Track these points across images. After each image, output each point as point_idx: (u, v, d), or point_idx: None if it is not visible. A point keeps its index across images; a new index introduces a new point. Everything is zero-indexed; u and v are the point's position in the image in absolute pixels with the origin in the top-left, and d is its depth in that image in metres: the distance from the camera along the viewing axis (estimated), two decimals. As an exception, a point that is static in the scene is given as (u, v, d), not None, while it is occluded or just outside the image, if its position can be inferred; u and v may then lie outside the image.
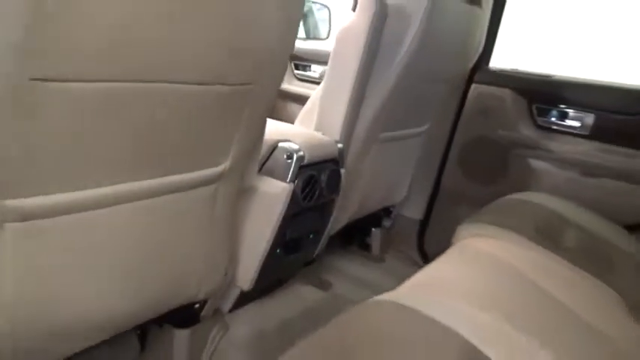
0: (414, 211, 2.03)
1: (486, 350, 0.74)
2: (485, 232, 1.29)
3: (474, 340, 0.75)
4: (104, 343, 1.02)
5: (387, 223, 2.00)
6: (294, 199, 1.17)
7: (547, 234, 1.30)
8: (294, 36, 0.89)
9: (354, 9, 1.29)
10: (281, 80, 0.95)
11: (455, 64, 1.69)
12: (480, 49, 1.81)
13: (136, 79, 0.67)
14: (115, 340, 1.21)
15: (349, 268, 1.84)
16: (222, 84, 0.81)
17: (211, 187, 0.94)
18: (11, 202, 0.64)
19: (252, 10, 0.76)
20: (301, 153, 1.16)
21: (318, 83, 1.57)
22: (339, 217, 1.49)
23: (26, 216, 0.67)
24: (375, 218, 1.94)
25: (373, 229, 1.97)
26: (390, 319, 0.79)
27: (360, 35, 1.26)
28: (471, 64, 1.82)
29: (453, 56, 1.62)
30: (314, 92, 1.52)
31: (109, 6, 0.58)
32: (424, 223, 2.04)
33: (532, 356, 0.77)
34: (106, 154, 0.71)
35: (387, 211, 1.97)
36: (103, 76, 0.63)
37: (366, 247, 1.98)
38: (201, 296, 1.10)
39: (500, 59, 1.91)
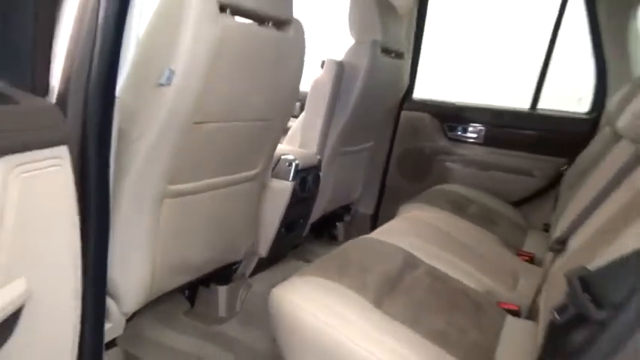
0: (367, 207, 2.69)
1: (420, 256, 1.38)
2: (418, 208, 1.96)
3: (412, 251, 1.39)
4: (162, 300, 1.55)
5: (347, 218, 2.64)
6: (294, 192, 1.78)
7: (458, 208, 1.99)
8: (298, 90, 1.53)
9: (322, 66, 1.96)
10: (289, 118, 1.58)
11: (389, 98, 2.39)
12: (406, 86, 2.54)
13: (228, 120, 1.28)
14: (170, 298, 1.75)
15: (323, 251, 2.45)
16: (262, 120, 1.43)
17: (252, 182, 1.55)
18: (170, 187, 1.22)
19: (280, 78, 1.40)
20: (297, 162, 1.78)
21: (296, 117, 2.20)
22: (318, 208, 2.11)
23: (175, 195, 1.24)
24: (338, 215, 2.57)
25: (337, 223, 2.60)
26: (365, 243, 1.42)
27: (327, 84, 1.92)
28: (400, 97, 2.53)
29: (388, 93, 2.32)
30: (295, 123, 2.15)
31: (220, 83, 1.18)
32: (375, 216, 2.70)
33: (442, 259, 1.43)
34: (211, 160, 1.31)
35: (347, 208, 2.61)
36: (216, 119, 1.23)
37: (333, 237, 2.60)
38: (240, 256, 1.68)
39: (421, 92, 2.64)
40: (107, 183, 0.95)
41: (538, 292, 1.32)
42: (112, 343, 1.30)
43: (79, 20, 0.83)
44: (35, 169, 0.65)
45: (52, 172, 0.69)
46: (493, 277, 1.45)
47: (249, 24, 1.23)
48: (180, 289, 1.80)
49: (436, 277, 1.30)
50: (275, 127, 1.50)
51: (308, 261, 2.24)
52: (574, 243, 1.23)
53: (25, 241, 0.64)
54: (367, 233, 1.51)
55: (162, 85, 1.06)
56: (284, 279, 2.01)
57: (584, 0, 2.22)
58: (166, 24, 1.05)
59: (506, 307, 1.30)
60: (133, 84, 1.06)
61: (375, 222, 2.70)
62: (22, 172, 0.63)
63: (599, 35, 2.20)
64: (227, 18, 1.13)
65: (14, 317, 0.61)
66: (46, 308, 0.69)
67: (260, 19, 1.26)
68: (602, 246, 0.94)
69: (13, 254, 0.61)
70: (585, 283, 0.73)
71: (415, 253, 1.39)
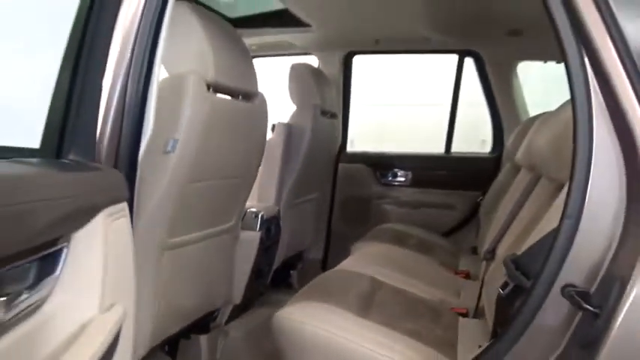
0: (316, 253, 2.93)
1: (382, 279, 1.65)
2: (368, 245, 2.25)
3: (375, 276, 1.66)
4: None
5: (300, 265, 2.85)
6: (261, 241, 1.99)
7: (400, 241, 2.30)
8: (264, 150, 1.79)
9: (272, 130, 2.24)
10: (256, 173, 1.82)
11: (328, 153, 2.72)
12: (339, 142, 2.89)
13: (214, 178, 1.50)
14: (150, 356, 1.85)
15: (283, 297, 2.62)
16: (238, 177, 1.66)
17: (228, 234, 1.75)
18: (170, 239, 1.40)
19: (251, 141, 1.65)
20: (262, 213, 2.01)
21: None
22: (278, 256, 2.32)
23: (173, 247, 1.42)
24: (291, 263, 2.78)
25: (292, 271, 2.80)
26: (336, 274, 1.66)
27: (279, 145, 2.21)
28: (336, 152, 2.87)
29: (327, 148, 2.65)
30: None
31: (210, 148, 1.41)
32: (324, 260, 2.94)
33: (399, 280, 1.70)
34: (199, 214, 1.51)
35: (299, 257, 2.83)
36: (206, 178, 1.45)
37: (289, 285, 2.79)
38: (220, 304, 1.84)
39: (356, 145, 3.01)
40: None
41: (479, 296, 1.63)
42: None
43: (110, 102, 1.04)
44: (116, 219, 0.85)
45: (122, 222, 0.89)
46: (442, 290, 1.75)
47: (226, 99, 1.49)
48: (161, 346, 1.89)
49: (399, 293, 1.57)
50: (247, 183, 1.74)
51: (273, 307, 2.40)
52: (501, 250, 1.57)
53: (116, 275, 0.82)
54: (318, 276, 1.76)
55: (168, 152, 1.27)
56: (257, 324, 2.17)
57: (474, 62, 2.75)
58: (169, 101, 1.28)
59: (457, 310, 1.59)
60: (146, 153, 1.26)
61: (324, 266, 2.93)
62: (113, 221, 0.82)
63: (490, 89, 2.72)
64: (212, 94, 1.39)
65: (117, 337, 0.79)
66: (127, 333, 0.86)
67: (233, 94, 1.53)
68: (520, 247, 1.26)
69: (112, 284, 0.80)
70: (516, 263, 1.04)
71: (377, 277, 1.66)
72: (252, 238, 1.96)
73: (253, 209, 2.01)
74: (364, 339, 1.18)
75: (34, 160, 0.80)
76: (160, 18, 1.04)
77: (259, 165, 1.80)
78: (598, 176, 0.84)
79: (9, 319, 0.58)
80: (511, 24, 2.26)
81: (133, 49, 1.00)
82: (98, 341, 0.69)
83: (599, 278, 0.83)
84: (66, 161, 0.85)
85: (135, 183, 1.11)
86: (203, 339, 1.87)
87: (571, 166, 0.87)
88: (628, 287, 0.75)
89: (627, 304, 0.75)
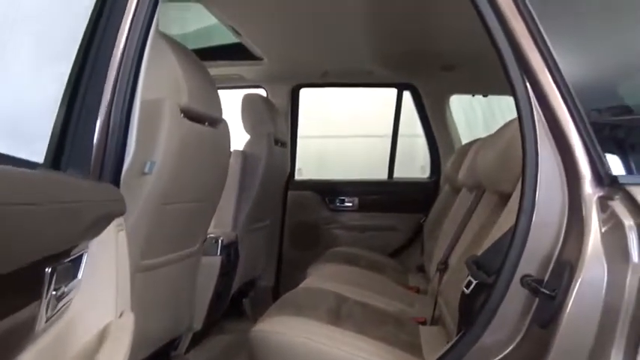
0: (268, 280, 2.96)
1: (345, 294, 1.74)
2: (323, 267, 2.33)
3: (338, 292, 1.74)
4: None
5: (251, 294, 2.86)
6: (221, 265, 2.02)
7: (352, 263, 2.41)
8: (227, 174, 1.84)
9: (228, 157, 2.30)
10: (219, 197, 1.87)
11: (279, 180, 2.81)
12: (288, 170, 2.99)
13: (183, 201, 1.53)
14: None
15: (238, 325, 2.61)
16: (204, 201, 1.70)
17: (192, 258, 1.76)
18: (143, 261, 1.41)
19: (216, 165, 1.71)
20: (222, 238, 2.04)
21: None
22: (235, 282, 2.33)
23: (144, 269, 1.43)
24: (243, 291, 2.78)
25: (244, 299, 2.80)
26: (302, 291, 1.73)
27: (236, 172, 2.27)
28: (285, 179, 2.96)
29: (278, 176, 2.73)
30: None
31: (181, 171, 1.45)
32: (276, 288, 2.98)
33: (361, 294, 1.80)
34: (169, 237, 1.53)
35: (250, 284, 2.84)
36: (178, 200, 1.48)
37: (241, 312, 2.78)
38: (181, 331, 1.82)
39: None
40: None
41: (435, 305, 1.76)
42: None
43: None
44: (120, 230, 0.89)
45: (123, 234, 0.92)
46: (399, 302, 1.86)
47: (196, 124, 1.55)
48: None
49: (363, 305, 1.66)
50: (212, 207, 1.78)
51: (231, 334, 2.40)
52: (453, 260, 1.72)
53: (122, 283, 0.85)
54: (270, 304, 1.77)
55: (145, 174, 1.31)
56: (216, 352, 2.16)
57: (412, 95, 2.99)
58: (146, 125, 1.32)
59: (416, 319, 1.70)
60: (127, 174, 1.28)
61: (276, 293, 2.96)
62: (119, 231, 0.86)
63: (426, 119, 2.97)
64: (185, 120, 1.45)
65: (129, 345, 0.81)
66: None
67: (202, 120, 1.59)
68: (474, 252, 1.41)
69: (122, 291, 0.83)
70: (477, 263, 1.18)
71: (340, 293, 1.74)
72: (213, 262, 1.98)
73: (212, 234, 2.04)
74: (341, 343, 1.25)
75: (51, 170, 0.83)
76: (143, 47, 1.11)
77: (222, 189, 1.85)
78: (544, 180, 1.00)
79: (52, 317, 0.61)
80: (445, 60, 2.51)
81: (117, 74, 1.05)
82: (124, 343, 0.72)
83: (551, 267, 0.98)
84: (70, 175, 0.88)
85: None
86: (164, 368, 1.84)
87: (522, 173, 1.03)
88: (576, 271, 0.90)
89: (577, 285, 0.89)
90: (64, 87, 0.90)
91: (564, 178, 0.99)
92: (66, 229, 0.56)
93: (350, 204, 3.00)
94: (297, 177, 3.09)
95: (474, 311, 1.16)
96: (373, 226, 2.96)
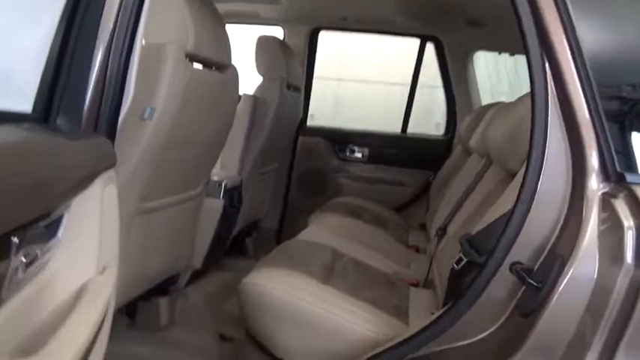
0: (272, 223, 3.01)
1: (341, 250, 1.75)
2: (326, 216, 2.34)
3: (335, 247, 1.76)
4: None
5: (255, 234, 2.92)
6: (223, 209, 2.04)
7: (356, 215, 2.41)
8: (233, 120, 1.82)
9: (239, 100, 2.26)
10: (224, 142, 1.85)
11: (290, 126, 2.77)
12: (301, 115, 2.94)
13: (187, 146, 1.52)
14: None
15: (239, 263, 2.68)
16: (207, 146, 1.69)
17: (194, 201, 1.78)
18: (143, 204, 1.42)
19: (222, 110, 1.68)
20: (225, 182, 2.04)
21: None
22: (237, 224, 2.37)
23: (145, 212, 1.45)
24: (247, 231, 2.84)
25: (247, 239, 2.86)
26: (298, 244, 1.75)
27: (245, 115, 2.23)
28: (296, 125, 2.93)
29: (289, 121, 2.70)
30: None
31: (185, 117, 1.43)
32: (279, 231, 3.03)
33: (358, 251, 1.81)
34: (171, 181, 1.53)
35: (254, 225, 2.89)
36: (180, 146, 1.47)
37: (243, 252, 2.85)
38: (180, 269, 1.88)
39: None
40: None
41: (429, 269, 1.77)
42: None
43: (92, 70, 1.05)
44: (108, 185, 0.88)
45: (112, 188, 0.92)
46: (395, 262, 1.88)
47: (202, 69, 1.51)
48: (120, 306, 1.92)
49: (358, 263, 1.68)
50: (216, 152, 1.77)
51: (230, 272, 2.47)
52: (452, 228, 1.71)
53: (107, 239, 0.86)
54: (273, 247, 1.81)
55: (145, 119, 1.29)
56: (215, 288, 2.23)
57: (435, 48, 2.86)
58: (148, 70, 1.28)
59: (408, 281, 1.72)
60: (125, 119, 1.26)
61: (279, 236, 3.01)
62: (105, 186, 0.86)
63: (448, 75, 2.85)
64: (190, 65, 1.40)
65: (110, 300, 0.83)
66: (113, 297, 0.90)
67: (208, 65, 1.54)
68: (472, 226, 1.39)
69: (106, 247, 0.84)
70: (470, 242, 1.16)
71: (337, 248, 1.76)
72: (215, 205, 2.00)
73: (216, 178, 2.04)
74: (330, 305, 1.27)
75: (29, 125, 0.82)
76: None
77: (227, 134, 1.83)
78: (549, 167, 0.95)
79: (22, 281, 0.61)
80: (471, 14, 2.37)
81: (116, 18, 1.01)
82: (98, 303, 0.73)
83: (542, 257, 0.96)
84: (57, 127, 0.86)
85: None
86: (163, 301, 1.91)
87: (527, 156, 0.98)
88: (567, 265, 0.88)
89: (565, 280, 0.88)
90: (54, 31, 0.86)
91: (570, 169, 0.94)
92: (35, 200, 0.55)
93: (360, 155, 2.97)
94: (309, 123, 3.04)
95: (461, 288, 1.16)
96: (381, 179, 2.94)
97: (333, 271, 1.53)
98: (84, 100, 0.96)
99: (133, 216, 1.40)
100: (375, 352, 1.14)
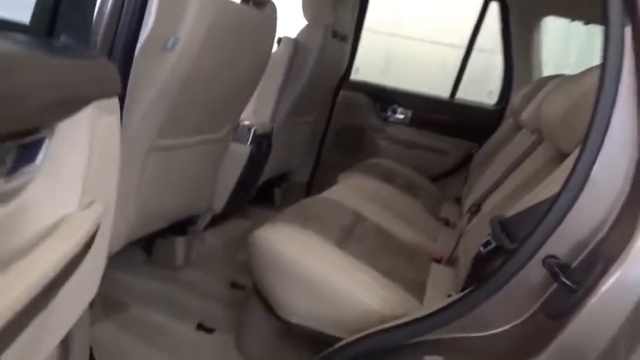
0: (302, 176, 2.93)
1: (364, 213, 1.65)
2: (355, 177, 2.24)
3: (358, 209, 1.66)
4: (121, 250, 1.71)
5: (284, 185, 2.86)
6: (250, 156, 1.97)
7: (387, 179, 2.29)
8: (267, 62, 1.71)
9: (278, 43, 2.14)
10: (255, 86, 1.75)
11: (331, 77, 2.63)
12: (345, 67, 2.79)
13: (211, 84, 1.43)
14: (128, 248, 1.89)
15: (263, 213, 2.65)
16: (236, 86, 1.59)
17: (218, 144, 1.71)
18: (160, 140, 1.36)
19: (256, 50, 1.57)
20: (255, 128, 1.96)
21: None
22: (265, 173, 2.30)
23: (161, 149, 1.38)
24: (276, 182, 2.77)
25: (275, 189, 2.80)
26: (319, 202, 1.66)
27: (283, 59, 2.11)
28: (339, 77, 2.78)
29: (331, 72, 2.56)
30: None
31: (211, 52, 1.33)
32: (309, 185, 2.95)
33: (382, 217, 1.71)
34: (192, 120, 1.46)
35: (284, 177, 2.82)
36: (204, 83, 1.38)
37: (271, 202, 2.80)
38: (200, 210, 1.84)
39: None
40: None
41: (456, 245, 1.65)
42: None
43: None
44: (106, 114, 0.80)
45: (111, 119, 0.84)
46: (420, 233, 1.77)
47: (237, 3, 1.39)
48: (137, 241, 1.92)
49: (380, 229, 1.58)
50: (245, 95, 1.67)
51: (252, 221, 2.44)
52: (487, 206, 1.57)
53: (99, 171, 0.79)
54: (302, 200, 1.74)
55: (167, 50, 1.20)
56: (233, 235, 2.20)
57: (500, 10, 2.61)
58: (174, -1, 1.18)
59: (431, 256, 1.62)
60: (143, 48, 1.18)
61: (309, 190, 2.94)
62: (102, 115, 0.78)
63: (509, 40, 2.61)
64: (222, -4, 1.29)
65: (95, 234, 0.77)
66: (105, 232, 0.85)
67: (244, -1, 1.43)
68: (508, 207, 1.26)
69: (95, 180, 0.77)
70: (503, 225, 1.04)
71: (361, 211, 1.66)
72: (241, 151, 1.93)
73: (247, 123, 1.96)
74: (339, 270, 1.19)
75: (23, 37, 0.74)
76: None
77: (260, 78, 1.72)
78: (608, 155, 0.81)
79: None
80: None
81: None
82: (74, 237, 0.67)
83: (583, 255, 0.83)
84: (57, 44, 0.78)
85: (128, 77, 1.06)
86: (179, 241, 1.89)
87: (584, 137, 0.84)
88: (612, 268, 0.75)
89: (608, 284, 0.75)
90: None
91: (634, 159, 0.79)
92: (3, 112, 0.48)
93: (402, 116, 2.81)
94: (352, 77, 2.88)
95: (484, 273, 1.05)
96: (421, 145, 2.78)
97: (351, 234, 1.44)
98: (93, 15, 0.88)
99: (149, 151, 1.34)
100: (379, 327, 1.06)
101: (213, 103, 1.52)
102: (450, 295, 1.16)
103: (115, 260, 1.82)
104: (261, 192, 2.67)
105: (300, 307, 1.20)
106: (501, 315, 0.93)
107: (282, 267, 1.21)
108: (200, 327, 1.55)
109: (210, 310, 1.65)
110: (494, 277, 0.94)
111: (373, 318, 1.14)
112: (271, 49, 1.67)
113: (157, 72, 1.22)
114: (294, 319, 1.21)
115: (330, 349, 1.11)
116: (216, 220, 2.14)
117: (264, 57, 1.66)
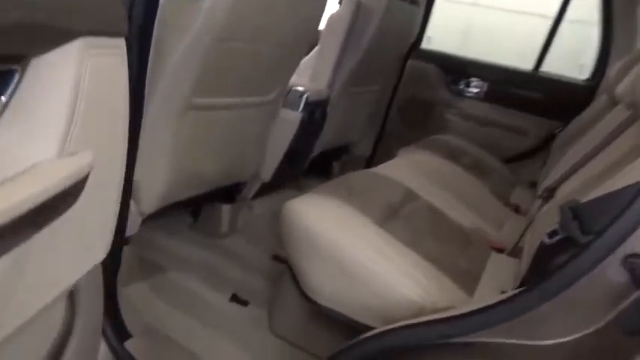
0: (364, 150, 2.78)
1: (418, 192, 1.48)
2: (417, 152, 2.05)
3: (411, 187, 1.49)
4: (167, 214, 1.67)
5: (344, 158, 2.72)
6: (301, 124, 1.85)
7: (452, 157, 2.08)
8: (320, 22, 1.56)
9: (339, 3, 1.98)
10: (307, 49, 1.62)
11: (399, 44, 2.43)
12: (415, 34, 2.56)
13: (252, 42, 1.32)
14: (174, 213, 1.86)
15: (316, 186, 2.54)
16: (283, 47, 1.47)
17: (265, 108, 1.61)
18: (195, 99, 1.27)
19: (307, 8, 1.43)
20: (307, 94, 1.84)
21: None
22: (319, 144, 2.18)
23: (199, 108, 1.30)
24: (335, 154, 2.65)
25: (334, 162, 2.68)
26: (368, 175, 1.51)
27: (344, 20, 1.95)
28: (408, 45, 2.57)
29: (398, 39, 2.36)
30: (304, 58, 2.19)
31: (250, 5, 1.21)
32: (370, 159, 2.79)
33: (438, 197, 1.53)
34: (232, 80, 1.36)
35: (344, 149, 2.69)
36: (242, 39, 1.27)
37: (328, 175, 2.69)
38: (246, 178, 1.76)
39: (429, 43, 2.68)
40: (144, 83, 1.01)
41: (522, 235, 1.44)
42: (127, 241, 1.39)
43: None
44: (102, 55, 0.71)
45: (113, 61, 0.75)
46: (482, 218, 1.57)
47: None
48: (184, 206, 1.89)
49: (433, 210, 1.41)
50: (294, 57, 1.55)
51: (305, 192, 2.34)
52: (563, 191, 1.34)
53: (92, 118, 0.71)
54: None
55: (198, 0, 1.10)
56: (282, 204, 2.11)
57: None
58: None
59: (492, 244, 1.42)
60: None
61: (369, 165, 2.78)
62: (98, 55, 0.68)
63: (610, 7, 2.25)
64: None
65: (82, 184, 0.69)
66: (102, 185, 0.77)
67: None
68: (585, 193, 1.04)
69: (85, 127, 0.68)
70: (575, 212, 0.84)
71: (414, 189, 1.49)
72: (292, 118, 1.82)
73: (300, 88, 1.84)
74: (375, 252, 1.05)
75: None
76: None
77: (312, 39, 1.59)
78: None
79: None
80: None
81: None
82: (46, 184, 0.58)
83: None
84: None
85: (153, 23, 0.97)
86: (225, 208, 1.84)
87: None
88: None
89: None
90: None
91: None
92: None
93: (477, 90, 2.55)
94: (423, 45, 2.66)
95: (547, 269, 0.86)
96: (496, 122, 2.51)
97: (397, 213, 1.29)
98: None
99: (184, 110, 1.27)
100: (415, 320, 0.91)
101: (257, 64, 1.41)
102: (504, 292, 0.98)
103: (159, 223, 1.82)
104: (319, 164, 2.55)
105: (329, 289, 1.08)
106: (564, 322, 0.75)
107: (312, 243, 1.09)
108: (234, 298, 1.48)
109: (248, 282, 1.58)
110: (559, 275, 0.76)
111: (410, 309, 1.00)
112: (324, 7, 1.52)
113: (187, 24, 1.12)
114: (322, 301, 1.10)
115: (358, 338, 0.98)
116: (267, 190, 2.06)
117: (316, 16, 1.51)
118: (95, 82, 0.69)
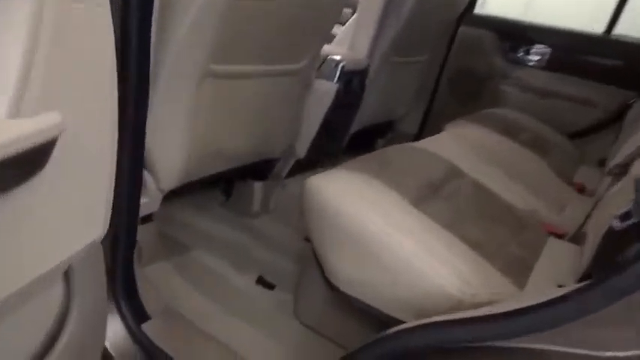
0: (410, 127, 2.59)
1: (464, 169, 1.32)
2: (466, 126, 1.86)
3: (457, 163, 1.33)
4: (198, 191, 1.57)
5: (389, 135, 2.56)
6: (337, 95, 1.71)
7: (508, 132, 1.87)
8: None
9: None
10: (341, 11, 1.47)
11: (448, 10, 2.21)
12: (468, -1, 2.33)
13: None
14: (206, 190, 1.78)
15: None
16: (311, 9, 1.33)
17: (294, 77, 1.48)
18: (213, 66, 1.17)
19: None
20: (344, 63, 1.69)
21: (342, 24, 2.05)
22: (359, 118, 2.03)
23: (218, 75, 1.19)
24: (379, 131, 2.49)
25: (379, 139, 2.52)
26: (408, 149, 1.36)
27: (384, -16, 1.78)
28: (460, 10, 2.34)
29: (447, 3, 2.14)
30: (343, 27, 2.03)
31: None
32: (417, 137, 2.60)
33: (487, 174, 1.35)
34: (255, 45, 1.24)
35: (388, 126, 2.52)
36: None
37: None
38: (277, 154, 1.65)
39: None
40: (148, 42, 0.92)
41: (587, 218, 1.25)
42: (149, 219, 1.32)
43: None
44: (75, 1, 0.61)
45: (89, 10, 0.65)
46: (540, 199, 1.38)
47: None
48: (216, 182, 1.81)
49: (480, 188, 1.24)
50: (325, 20, 1.40)
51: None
52: (638, 167, 1.13)
53: (60, 74, 0.61)
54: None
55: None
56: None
57: None
58: None
59: (550, 229, 1.23)
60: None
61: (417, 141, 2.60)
62: (63, 2, 0.58)
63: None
64: None
65: (45, 149, 0.59)
66: (81, 148, 0.68)
67: None
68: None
69: (49, 84, 0.59)
70: (657, 189, 0.66)
71: (459, 166, 1.33)
72: (326, 88, 1.68)
73: (336, 57, 1.69)
74: (407, 236, 0.91)
75: None
76: None
77: (348, 2, 1.44)
78: None
79: None
80: None
81: None
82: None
83: None
84: None
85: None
86: (257, 186, 1.75)
87: None
88: None
89: None
90: None
91: None
92: None
93: (537, 57, 2.29)
94: (477, 10, 2.41)
95: (615, 260, 0.69)
96: (560, 93, 2.25)
97: (437, 192, 1.13)
98: None
99: (201, 78, 1.16)
100: (448, 317, 0.77)
101: (280, 27, 1.28)
102: (561, 286, 0.82)
103: (189, 201, 1.75)
104: (360, 141, 2.41)
105: (353, 275, 0.95)
106: (623, 332, 0.59)
107: (335, 223, 0.97)
108: (260, 281, 1.39)
109: (276, 264, 1.48)
110: (631, 268, 0.59)
111: (447, 303, 0.85)
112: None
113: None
114: (344, 288, 0.97)
115: (385, 333, 0.85)
116: (303, 168, 1.95)
117: None
118: (64, 33, 0.59)
